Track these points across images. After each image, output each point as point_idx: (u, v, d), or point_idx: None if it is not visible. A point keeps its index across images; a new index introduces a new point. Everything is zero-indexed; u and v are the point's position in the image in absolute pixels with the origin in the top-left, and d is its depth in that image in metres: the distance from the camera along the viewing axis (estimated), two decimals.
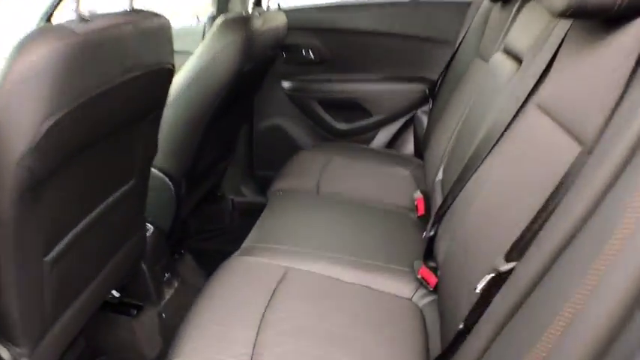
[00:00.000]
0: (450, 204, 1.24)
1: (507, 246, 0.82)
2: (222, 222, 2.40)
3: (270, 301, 1.16)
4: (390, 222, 1.60)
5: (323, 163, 1.98)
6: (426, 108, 2.21)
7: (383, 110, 2.26)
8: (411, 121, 2.27)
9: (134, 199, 1.35)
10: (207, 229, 2.34)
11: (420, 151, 2.17)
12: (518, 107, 1.04)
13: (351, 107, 2.29)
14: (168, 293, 1.77)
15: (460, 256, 1.07)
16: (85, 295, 1.19)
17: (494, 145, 1.09)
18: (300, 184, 1.84)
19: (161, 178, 1.68)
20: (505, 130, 1.07)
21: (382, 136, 2.29)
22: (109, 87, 0.97)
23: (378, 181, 1.90)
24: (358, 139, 2.30)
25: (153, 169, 1.66)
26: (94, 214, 1.14)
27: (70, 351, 1.32)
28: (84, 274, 1.20)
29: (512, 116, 1.05)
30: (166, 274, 1.76)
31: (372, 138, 2.30)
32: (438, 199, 1.44)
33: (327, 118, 2.32)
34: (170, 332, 1.71)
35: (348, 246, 1.42)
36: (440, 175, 1.58)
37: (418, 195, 1.65)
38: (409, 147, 2.29)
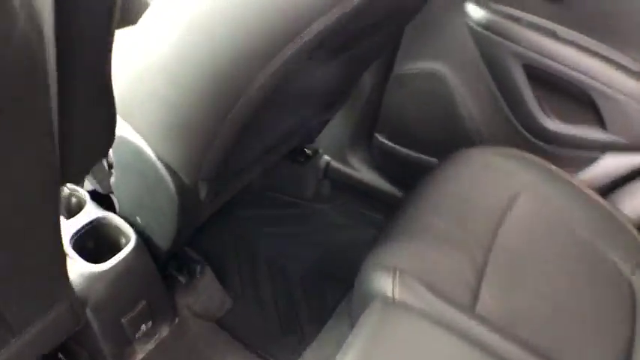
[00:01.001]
0: None
1: None
2: (303, 191, 1.56)
3: None
4: None
5: (502, 206, 1.04)
6: None
7: (627, 127, 1.16)
8: None
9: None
10: (274, 198, 1.53)
11: None
12: None
13: (577, 99, 1.21)
14: (143, 352, 1.03)
15: None
16: None
17: None
18: (437, 264, 0.92)
19: (154, 168, 0.83)
20: None
21: (604, 167, 1.23)
22: None
23: (583, 293, 0.96)
24: (567, 154, 1.25)
25: (142, 148, 0.84)
26: None
27: None
28: None
29: None
30: (143, 326, 1.00)
31: (589, 163, 1.24)
32: None
33: (531, 100, 1.25)
34: None
35: None
36: None
37: None
38: (637, 203, 1.21)
